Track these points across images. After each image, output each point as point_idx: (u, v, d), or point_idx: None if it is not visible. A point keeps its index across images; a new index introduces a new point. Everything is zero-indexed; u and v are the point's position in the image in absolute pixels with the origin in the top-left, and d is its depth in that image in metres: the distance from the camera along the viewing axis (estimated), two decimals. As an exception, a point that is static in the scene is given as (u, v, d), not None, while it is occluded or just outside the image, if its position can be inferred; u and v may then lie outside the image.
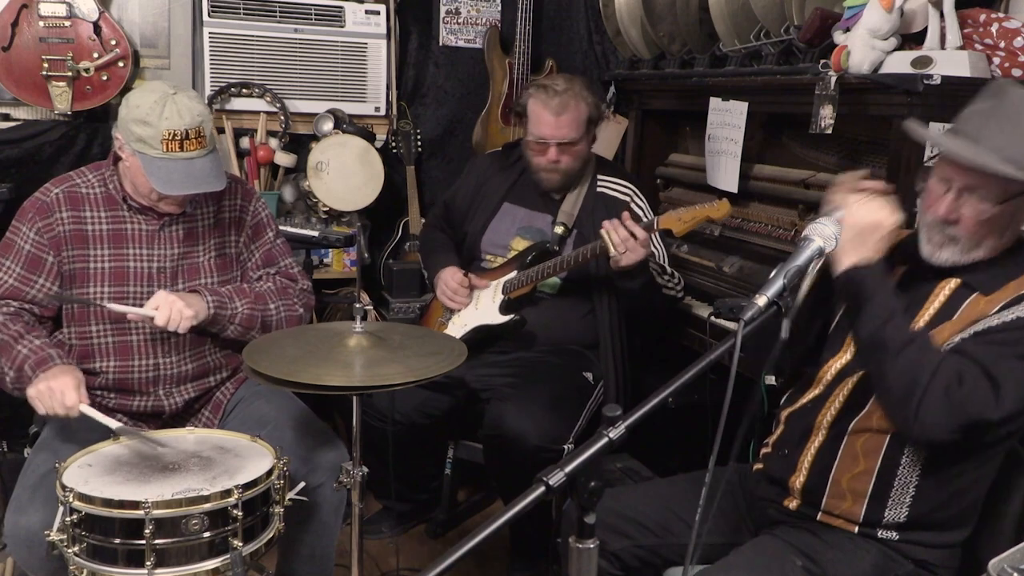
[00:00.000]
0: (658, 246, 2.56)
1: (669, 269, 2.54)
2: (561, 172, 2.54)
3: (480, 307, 2.58)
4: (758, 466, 1.77)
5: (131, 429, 1.83)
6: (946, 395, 1.38)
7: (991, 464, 1.55)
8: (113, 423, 1.80)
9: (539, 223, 2.63)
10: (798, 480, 1.64)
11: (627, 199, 2.58)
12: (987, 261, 1.51)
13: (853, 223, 1.46)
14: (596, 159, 2.70)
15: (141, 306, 1.98)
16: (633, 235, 2.23)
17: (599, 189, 2.60)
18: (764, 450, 1.77)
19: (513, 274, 2.55)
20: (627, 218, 2.26)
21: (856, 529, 1.59)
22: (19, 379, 1.85)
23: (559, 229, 2.56)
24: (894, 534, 1.57)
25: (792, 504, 1.66)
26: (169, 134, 1.83)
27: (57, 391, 1.78)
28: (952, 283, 1.53)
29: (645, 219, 2.44)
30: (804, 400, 1.69)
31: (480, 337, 2.56)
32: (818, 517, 1.63)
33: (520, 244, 2.61)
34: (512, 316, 2.52)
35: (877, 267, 1.47)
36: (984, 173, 1.41)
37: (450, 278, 2.61)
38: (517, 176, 2.67)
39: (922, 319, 1.53)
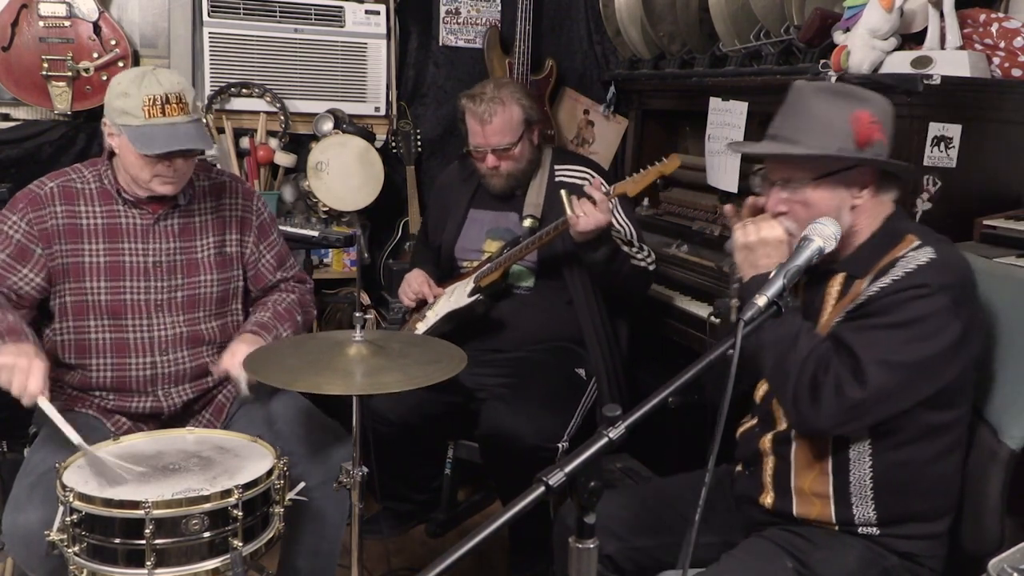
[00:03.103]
0: (623, 221, 2.57)
1: (637, 243, 2.55)
2: (503, 176, 2.58)
3: (453, 298, 2.61)
4: (733, 479, 1.79)
5: (89, 449, 1.73)
6: (812, 387, 1.46)
7: (941, 447, 1.56)
8: (75, 437, 1.71)
9: (505, 223, 2.66)
10: (767, 498, 1.67)
11: (585, 182, 2.59)
12: (859, 248, 1.60)
13: (743, 243, 1.60)
14: (553, 150, 2.74)
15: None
16: (592, 200, 2.25)
17: (557, 178, 2.63)
18: (737, 468, 1.79)
19: (486, 267, 2.58)
20: (588, 188, 2.31)
21: (836, 528, 1.61)
22: None
23: (528, 222, 2.58)
24: (874, 530, 1.58)
25: (771, 511, 1.68)
26: (149, 99, 1.83)
27: (24, 370, 1.73)
28: (839, 278, 1.62)
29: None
30: (749, 423, 1.75)
31: (451, 325, 2.57)
32: (798, 522, 1.64)
33: (492, 246, 2.65)
34: (476, 297, 2.53)
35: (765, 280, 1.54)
36: (791, 162, 1.57)
37: (412, 278, 2.71)
38: (477, 183, 2.71)
39: (824, 315, 1.62)
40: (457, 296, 2.60)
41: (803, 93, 1.61)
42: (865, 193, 1.57)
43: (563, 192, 2.30)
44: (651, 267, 2.55)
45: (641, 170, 2.41)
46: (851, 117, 1.53)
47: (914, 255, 1.50)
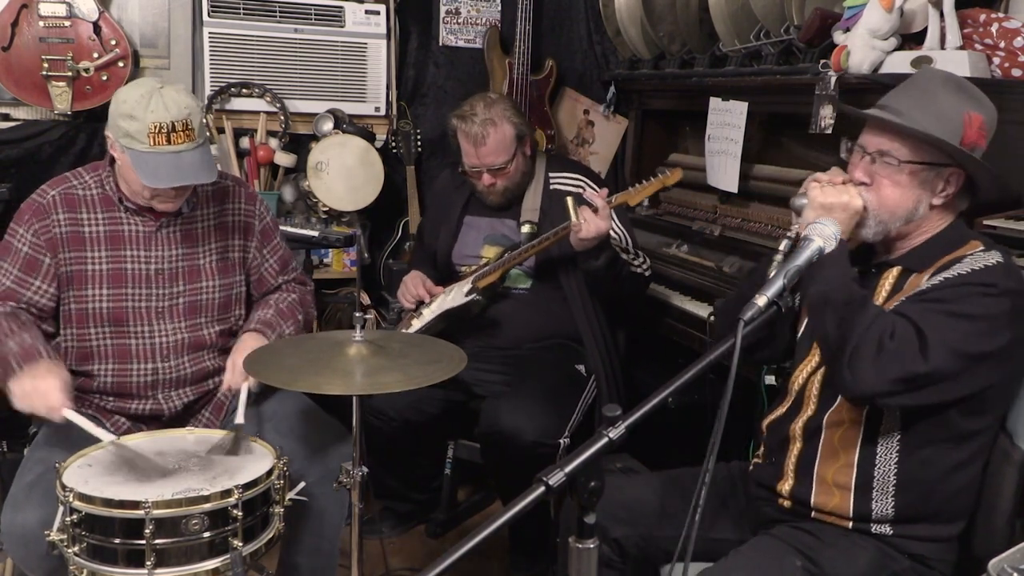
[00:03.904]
0: (619, 229, 2.57)
1: (633, 250, 2.55)
2: (499, 192, 2.60)
3: (450, 297, 2.61)
4: (750, 468, 1.79)
5: (124, 445, 1.79)
6: (877, 348, 1.45)
7: (968, 453, 1.56)
8: (106, 436, 1.77)
9: (502, 228, 2.67)
10: (786, 485, 1.67)
11: (580, 190, 2.60)
12: (921, 246, 1.60)
13: (820, 203, 1.57)
14: (547, 158, 2.75)
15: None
16: (593, 208, 2.27)
17: (552, 187, 2.64)
18: (755, 460, 1.79)
19: (485, 268, 2.59)
20: (589, 195, 2.33)
21: (850, 525, 1.60)
22: (4, 375, 1.82)
23: (526, 228, 2.59)
24: (887, 528, 1.58)
25: (785, 504, 1.68)
26: (155, 127, 1.81)
27: (41, 391, 1.76)
28: (894, 271, 1.62)
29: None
30: (781, 410, 1.74)
31: (445, 324, 2.58)
32: (811, 516, 1.64)
33: (490, 252, 2.65)
34: (473, 296, 2.53)
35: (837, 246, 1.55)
36: (893, 136, 1.55)
37: (410, 280, 2.72)
38: (471, 189, 2.71)
39: None
40: (454, 296, 2.60)
41: (929, 77, 1.60)
42: (945, 195, 1.57)
43: (568, 200, 2.31)
44: (647, 273, 2.56)
45: (644, 181, 2.41)
46: (966, 115, 1.52)
47: (982, 256, 1.51)
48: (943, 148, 1.52)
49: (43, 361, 1.82)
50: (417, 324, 2.63)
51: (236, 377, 1.98)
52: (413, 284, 2.70)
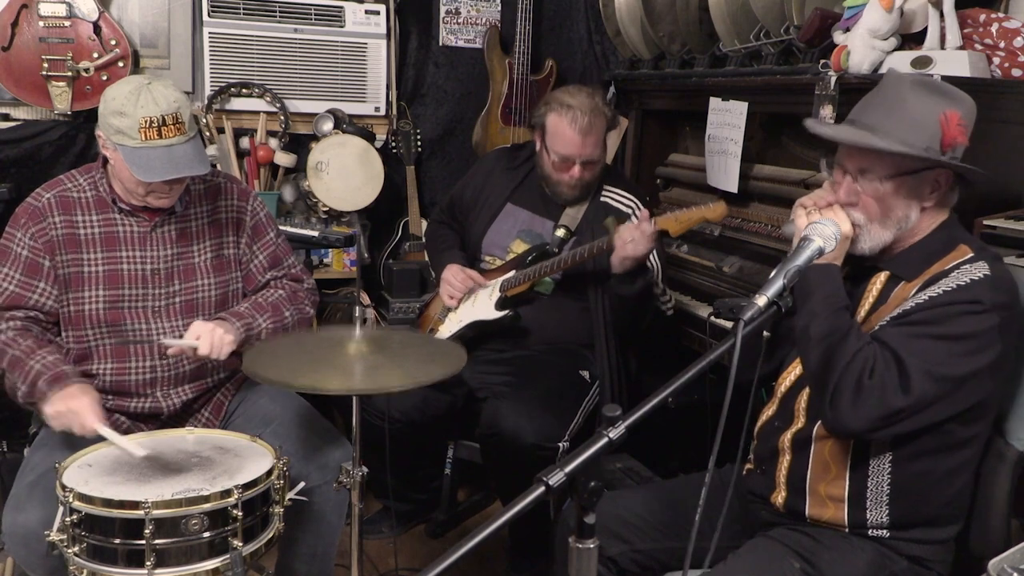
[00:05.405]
0: (654, 262, 2.52)
1: (662, 286, 2.53)
2: (581, 187, 2.54)
3: (476, 304, 2.58)
4: (743, 474, 1.78)
5: (156, 456, 1.79)
6: (856, 388, 1.44)
7: (961, 459, 1.56)
8: (139, 451, 1.75)
9: (539, 227, 2.62)
10: (779, 496, 1.67)
11: (629, 211, 2.57)
12: (908, 250, 1.58)
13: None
14: (603, 168, 2.69)
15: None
16: (639, 228, 2.22)
17: (603, 199, 2.60)
18: (748, 466, 1.79)
19: (511, 273, 2.55)
20: (639, 219, 2.27)
21: (846, 531, 1.61)
22: (31, 394, 1.82)
23: (560, 232, 2.55)
24: (884, 532, 1.58)
25: (780, 510, 1.68)
26: (146, 122, 1.81)
27: (75, 410, 1.78)
28: (882, 276, 1.60)
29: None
30: (768, 413, 1.74)
31: (475, 333, 2.56)
32: (807, 521, 1.64)
33: (519, 247, 2.61)
34: (507, 312, 2.52)
35: (826, 269, 1.54)
36: (870, 153, 1.51)
37: (452, 276, 2.61)
38: (523, 177, 2.67)
39: (861, 312, 1.61)
40: (482, 302, 2.57)
41: (897, 82, 1.55)
42: (936, 195, 1.54)
43: (610, 220, 2.25)
44: (668, 312, 2.54)
45: (684, 208, 2.31)
46: (942, 116, 1.48)
47: (968, 268, 1.48)
48: (925, 159, 1.50)
49: (72, 384, 1.83)
50: (444, 331, 2.61)
51: (216, 344, 1.94)
52: (459, 279, 2.58)
